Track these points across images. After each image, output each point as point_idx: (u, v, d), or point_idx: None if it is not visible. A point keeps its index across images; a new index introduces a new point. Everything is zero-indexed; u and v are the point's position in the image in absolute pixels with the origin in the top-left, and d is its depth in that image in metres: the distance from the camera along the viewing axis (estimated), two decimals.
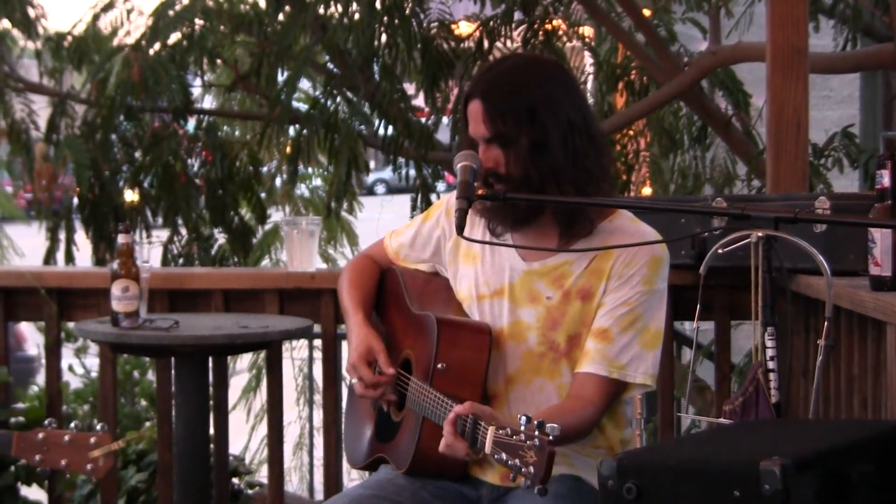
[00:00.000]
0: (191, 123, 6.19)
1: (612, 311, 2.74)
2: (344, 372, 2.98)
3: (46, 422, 2.76)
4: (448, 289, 2.93)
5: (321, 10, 5.60)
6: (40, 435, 2.73)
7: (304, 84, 6.51)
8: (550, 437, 2.35)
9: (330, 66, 5.99)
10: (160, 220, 5.90)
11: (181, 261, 5.96)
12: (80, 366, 6.67)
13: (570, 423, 2.57)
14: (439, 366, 2.73)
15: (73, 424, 2.79)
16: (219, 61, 6.22)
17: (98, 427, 2.75)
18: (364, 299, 3.00)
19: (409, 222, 3.06)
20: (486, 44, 5.69)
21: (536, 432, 2.36)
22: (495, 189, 2.70)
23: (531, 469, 2.36)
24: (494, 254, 2.85)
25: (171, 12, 5.63)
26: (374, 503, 2.74)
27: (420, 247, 3.00)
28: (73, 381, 6.36)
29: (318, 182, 7.32)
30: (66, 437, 2.72)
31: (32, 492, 4.68)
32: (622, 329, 2.74)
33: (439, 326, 2.77)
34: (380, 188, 21.50)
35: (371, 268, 3.07)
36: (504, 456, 2.40)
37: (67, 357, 5.81)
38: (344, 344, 3.63)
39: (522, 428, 2.37)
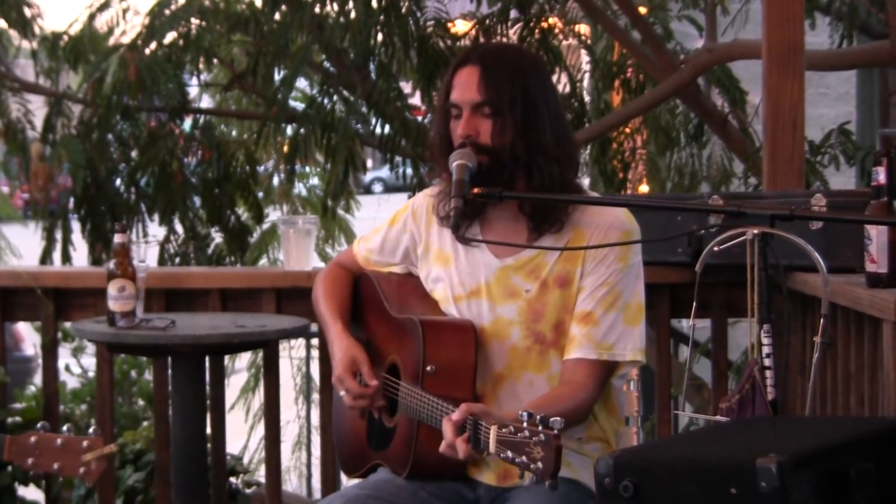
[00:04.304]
0: (187, 123, 6.19)
1: (592, 293, 2.76)
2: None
3: (39, 425, 2.76)
4: (424, 288, 2.93)
5: (318, 10, 5.60)
6: (33, 438, 2.73)
7: (301, 83, 6.51)
8: (555, 431, 2.36)
9: (327, 65, 5.98)
10: (157, 220, 5.89)
11: (178, 260, 5.96)
12: (78, 366, 6.68)
13: (565, 410, 2.57)
14: (428, 368, 2.72)
15: (65, 428, 2.78)
16: (215, 61, 6.21)
17: (91, 430, 2.75)
18: (341, 308, 2.99)
19: (376, 227, 3.05)
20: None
21: (540, 427, 2.37)
22: (489, 187, 2.69)
23: (539, 465, 2.36)
24: (467, 254, 2.85)
25: (167, 12, 5.63)
26: (370, 503, 2.74)
27: (389, 252, 3.00)
28: (71, 381, 6.37)
29: (315, 181, 7.31)
30: (59, 441, 2.72)
31: (30, 492, 4.69)
32: (605, 310, 2.75)
33: (423, 328, 2.76)
34: (377, 187, 21.49)
35: (344, 276, 3.06)
36: (510, 454, 2.40)
37: (64, 357, 5.80)
38: None
39: (525, 424, 2.38)
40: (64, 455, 2.71)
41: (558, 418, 2.36)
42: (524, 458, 2.38)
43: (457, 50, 5.63)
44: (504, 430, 2.42)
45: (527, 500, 2.72)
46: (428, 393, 2.70)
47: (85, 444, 2.71)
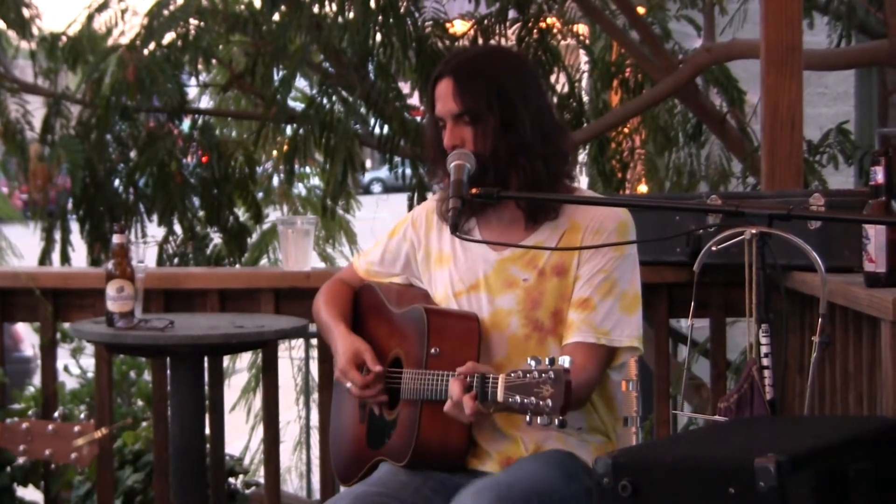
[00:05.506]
0: (186, 123, 6.19)
1: (589, 280, 2.80)
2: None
3: (31, 412, 2.76)
4: (426, 294, 2.97)
5: (316, 10, 5.60)
6: (24, 425, 2.73)
7: (301, 83, 6.51)
8: (565, 366, 2.39)
9: (325, 65, 5.98)
10: (155, 220, 5.89)
11: (176, 261, 5.95)
12: (77, 366, 6.67)
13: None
14: (432, 350, 2.77)
15: (56, 414, 2.78)
16: (214, 61, 6.21)
17: (82, 416, 2.75)
18: (342, 314, 3.03)
19: (375, 241, 3.10)
20: (480, 42, 5.69)
21: (549, 366, 2.41)
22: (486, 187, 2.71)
23: (549, 402, 2.40)
24: (466, 251, 2.90)
25: (165, 12, 5.63)
26: (377, 500, 2.75)
27: (390, 262, 3.04)
28: (70, 382, 6.35)
29: (315, 181, 7.31)
30: (50, 427, 2.72)
31: (29, 492, 4.68)
32: (602, 296, 2.79)
33: (428, 315, 2.81)
34: (376, 187, 21.49)
35: (345, 289, 3.10)
36: (518, 398, 2.43)
37: (63, 357, 5.80)
38: None
39: (533, 367, 2.42)
40: (55, 441, 2.71)
41: (567, 357, 2.43)
42: (532, 398, 2.41)
43: (455, 50, 5.63)
44: (512, 375, 2.46)
45: (523, 465, 2.75)
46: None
47: (76, 429, 2.71)
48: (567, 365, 2.41)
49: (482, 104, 2.77)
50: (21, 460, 4.21)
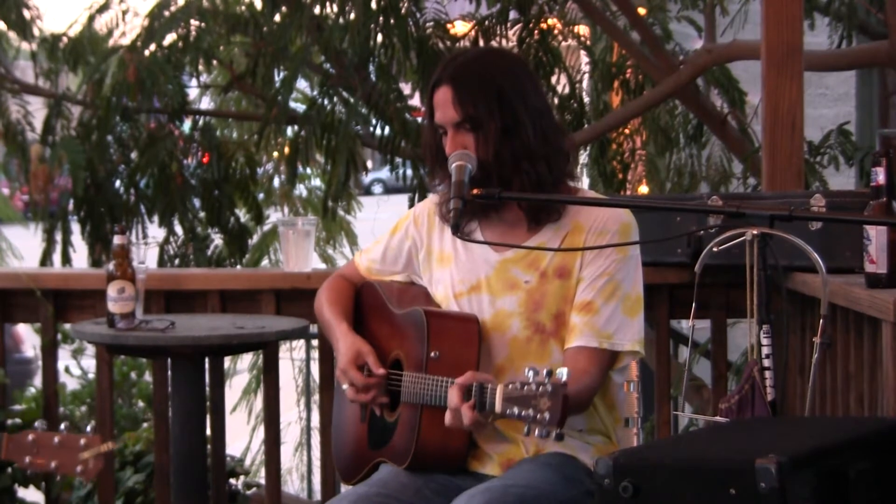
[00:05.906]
0: (187, 124, 6.19)
1: (592, 283, 2.79)
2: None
3: (37, 423, 2.76)
4: (426, 293, 2.97)
5: (317, 10, 5.60)
6: (30, 437, 2.73)
7: (301, 84, 6.51)
8: (563, 380, 2.38)
9: (326, 66, 5.98)
10: (156, 221, 5.89)
11: (177, 262, 5.96)
12: (77, 367, 6.67)
13: (568, 392, 2.59)
14: (432, 354, 2.76)
15: (62, 426, 2.78)
16: (214, 62, 6.21)
17: (88, 428, 2.76)
18: (345, 312, 3.02)
19: (377, 239, 3.09)
20: (481, 43, 5.69)
21: (547, 379, 2.40)
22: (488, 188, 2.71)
23: (546, 415, 2.39)
24: (467, 251, 2.89)
25: (166, 13, 5.63)
26: (378, 500, 2.75)
27: (391, 260, 3.03)
28: (71, 383, 6.37)
29: (316, 182, 7.32)
30: (56, 439, 2.72)
31: (30, 494, 4.69)
32: (605, 299, 2.78)
33: (428, 318, 2.80)
34: (377, 188, 21.49)
35: (346, 286, 3.09)
36: (516, 409, 2.43)
37: (64, 359, 5.80)
38: None
39: (531, 379, 2.41)
40: (62, 453, 2.71)
41: (565, 369, 2.41)
42: (530, 410, 2.41)
43: (452, 53, 5.63)
44: (510, 386, 2.46)
45: (523, 469, 2.75)
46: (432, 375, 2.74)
47: (82, 441, 2.71)
48: (565, 378, 2.40)
49: (482, 110, 2.76)
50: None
